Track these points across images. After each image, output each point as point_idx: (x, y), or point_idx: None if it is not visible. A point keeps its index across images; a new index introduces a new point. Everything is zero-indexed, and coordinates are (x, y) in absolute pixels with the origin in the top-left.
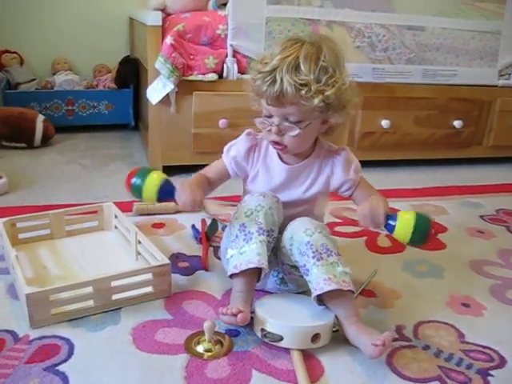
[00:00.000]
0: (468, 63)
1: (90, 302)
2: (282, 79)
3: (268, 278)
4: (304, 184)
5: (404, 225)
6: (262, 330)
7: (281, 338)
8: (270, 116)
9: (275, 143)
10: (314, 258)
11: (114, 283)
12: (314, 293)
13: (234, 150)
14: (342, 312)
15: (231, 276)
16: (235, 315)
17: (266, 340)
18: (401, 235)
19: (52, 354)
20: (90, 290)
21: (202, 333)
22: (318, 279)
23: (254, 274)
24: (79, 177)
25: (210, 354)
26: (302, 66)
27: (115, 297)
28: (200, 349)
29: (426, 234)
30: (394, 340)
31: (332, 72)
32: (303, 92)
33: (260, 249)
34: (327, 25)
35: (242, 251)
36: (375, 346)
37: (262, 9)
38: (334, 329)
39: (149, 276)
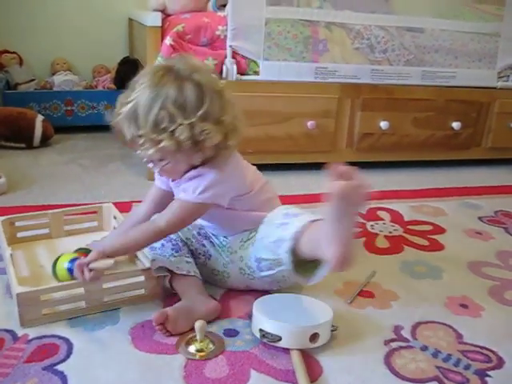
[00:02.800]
0: (467, 65)
1: (82, 303)
2: (123, 126)
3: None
4: None
5: None
6: (261, 330)
7: (279, 339)
8: None
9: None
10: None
11: (106, 285)
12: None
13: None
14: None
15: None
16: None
17: (265, 340)
18: None
19: (51, 354)
20: (81, 290)
21: (193, 333)
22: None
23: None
24: (78, 177)
25: (201, 354)
26: (139, 117)
27: (107, 298)
28: (192, 349)
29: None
30: (392, 340)
31: (169, 122)
32: (139, 142)
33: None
34: (326, 26)
35: None
36: None
37: (261, 10)
38: (332, 328)
39: (141, 278)
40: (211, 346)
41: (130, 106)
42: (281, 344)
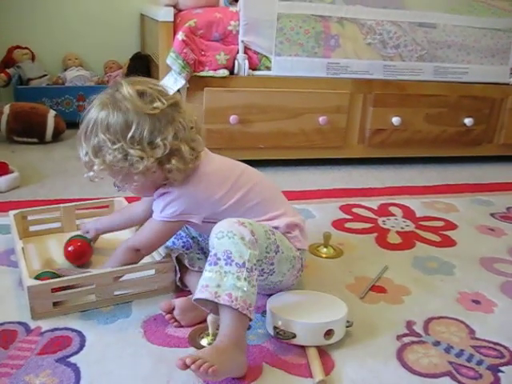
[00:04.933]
0: (479, 61)
1: (92, 297)
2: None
3: None
4: None
5: None
6: (275, 328)
7: (294, 336)
8: None
9: None
10: (209, 261)
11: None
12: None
13: None
14: (221, 326)
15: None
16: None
17: (279, 337)
18: None
19: (64, 346)
20: (92, 284)
21: (205, 327)
22: (200, 283)
23: None
24: None
25: None
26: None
27: (117, 292)
28: (204, 342)
29: None
30: (405, 335)
31: (99, 149)
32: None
33: None
34: (338, 21)
35: None
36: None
37: (273, 5)
38: (347, 324)
39: (151, 272)
40: None
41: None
42: (295, 341)
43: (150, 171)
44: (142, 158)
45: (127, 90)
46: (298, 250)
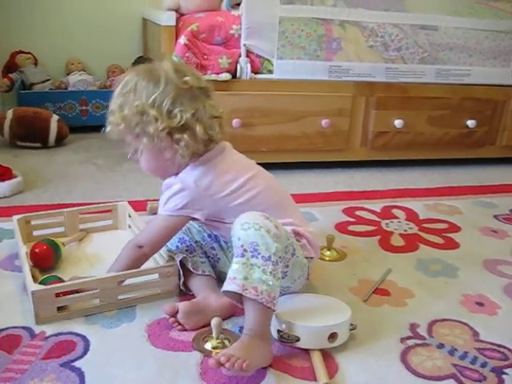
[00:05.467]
0: (481, 63)
1: (96, 301)
2: None
3: None
4: None
5: None
6: (279, 331)
7: (298, 339)
8: None
9: None
10: (236, 252)
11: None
12: (221, 288)
13: None
14: (246, 318)
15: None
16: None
17: (283, 341)
18: None
19: (68, 351)
20: (96, 288)
21: (209, 330)
22: (228, 275)
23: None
24: (93, 176)
25: (217, 351)
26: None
27: (121, 296)
28: (208, 346)
29: None
30: (409, 338)
31: (124, 102)
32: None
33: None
34: (340, 24)
35: None
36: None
37: (275, 8)
38: (351, 327)
39: (155, 276)
40: (227, 343)
41: None
42: (299, 345)
43: (159, 138)
44: (156, 120)
45: (166, 63)
46: (306, 258)
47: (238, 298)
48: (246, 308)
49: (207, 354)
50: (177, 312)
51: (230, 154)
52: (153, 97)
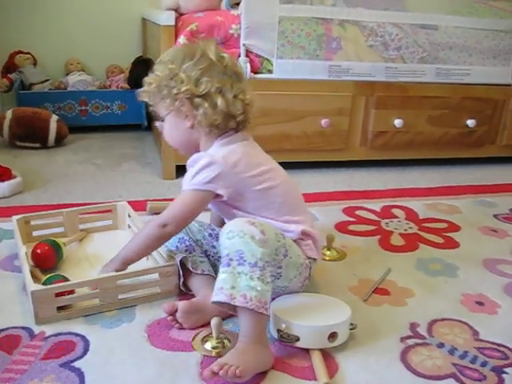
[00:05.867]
0: (481, 62)
1: (96, 301)
2: None
3: None
4: None
5: None
6: (279, 330)
7: (297, 339)
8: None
9: None
10: (222, 262)
11: (120, 282)
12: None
13: None
14: (240, 326)
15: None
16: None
17: (283, 340)
18: None
19: (68, 351)
20: (96, 288)
21: (209, 330)
22: (216, 286)
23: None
24: (93, 176)
25: (217, 350)
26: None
27: (121, 296)
28: (208, 346)
29: None
30: (409, 338)
31: (158, 68)
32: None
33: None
34: (340, 24)
35: None
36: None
37: (274, 8)
38: (351, 327)
39: (155, 276)
40: (227, 343)
41: None
42: (299, 344)
43: (180, 101)
44: (182, 82)
45: (210, 41)
46: (309, 258)
47: (231, 307)
48: (238, 316)
49: (207, 353)
50: (176, 310)
51: (254, 143)
52: (186, 64)
